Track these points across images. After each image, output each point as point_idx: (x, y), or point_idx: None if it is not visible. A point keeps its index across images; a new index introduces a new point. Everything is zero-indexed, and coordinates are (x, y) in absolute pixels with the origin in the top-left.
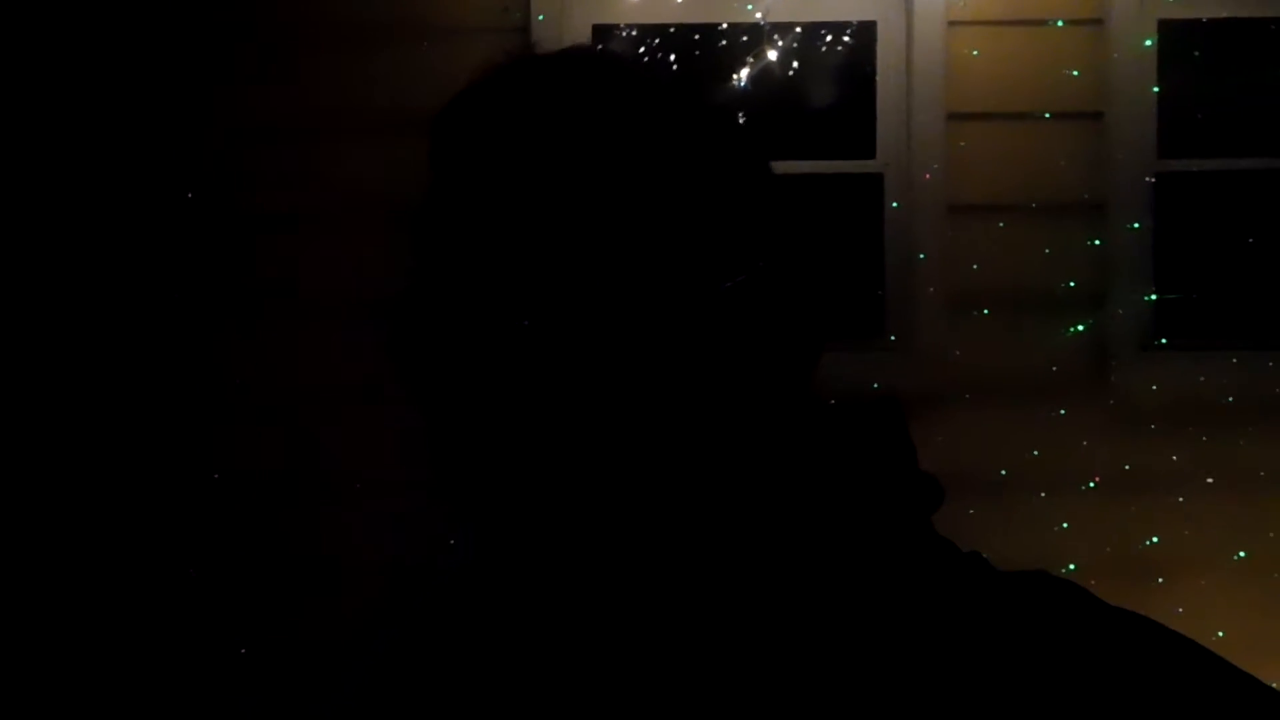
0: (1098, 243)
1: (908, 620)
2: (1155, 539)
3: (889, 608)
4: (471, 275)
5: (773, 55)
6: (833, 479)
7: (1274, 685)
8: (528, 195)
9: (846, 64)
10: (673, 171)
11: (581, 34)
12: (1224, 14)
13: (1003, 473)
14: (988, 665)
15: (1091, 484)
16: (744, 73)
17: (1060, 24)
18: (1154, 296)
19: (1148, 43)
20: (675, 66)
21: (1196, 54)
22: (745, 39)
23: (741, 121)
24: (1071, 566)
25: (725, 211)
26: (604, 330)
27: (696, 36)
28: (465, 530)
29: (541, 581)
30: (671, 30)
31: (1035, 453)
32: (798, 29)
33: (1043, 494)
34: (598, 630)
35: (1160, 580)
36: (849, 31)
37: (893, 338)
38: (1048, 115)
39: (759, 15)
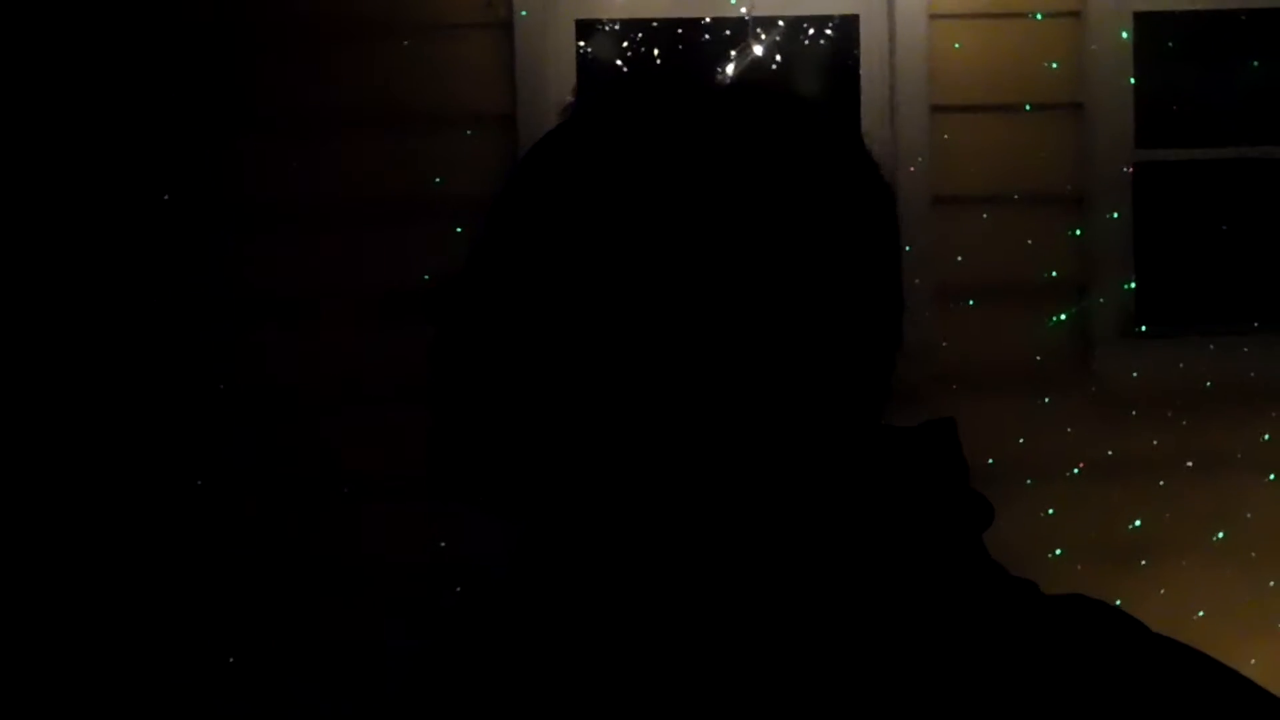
0: (1079, 232)
1: (951, 641)
2: (1138, 522)
3: (934, 629)
4: (569, 264)
5: (757, 49)
6: (885, 497)
7: (1252, 662)
8: (660, 199)
9: (830, 57)
10: (790, 201)
11: (565, 29)
12: (1197, 6)
13: (990, 461)
14: (1030, 688)
15: (1076, 470)
16: (728, 67)
17: (1039, 17)
18: (1134, 285)
19: (1124, 35)
20: (659, 61)
21: (1171, 45)
22: (728, 33)
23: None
24: (1058, 551)
25: (829, 240)
26: (688, 338)
27: (680, 31)
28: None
29: (576, 588)
30: (655, 25)
31: (1021, 440)
32: (781, 23)
33: (1029, 480)
34: (632, 641)
35: (1143, 562)
36: (832, 25)
37: None
38: (1029, 107)
39: (743, 10)
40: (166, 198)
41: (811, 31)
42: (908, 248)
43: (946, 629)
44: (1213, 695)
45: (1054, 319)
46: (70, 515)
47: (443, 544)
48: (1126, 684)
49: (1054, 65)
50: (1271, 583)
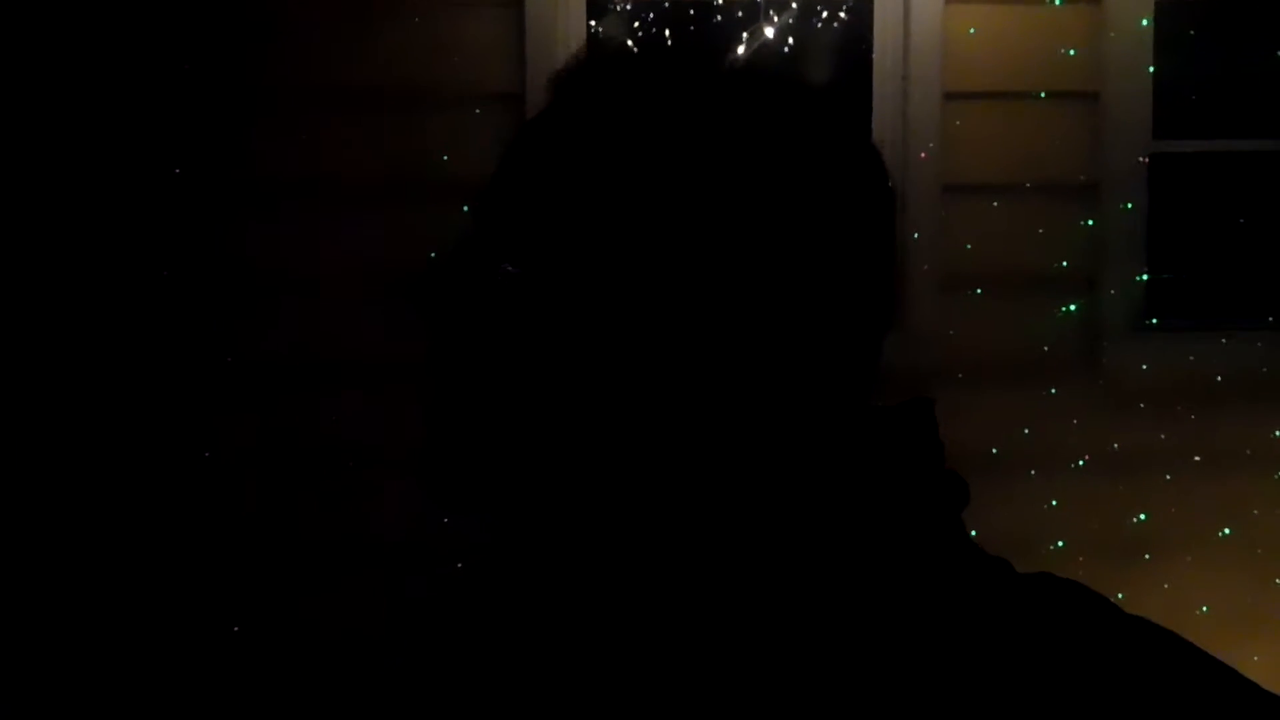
0: (1091, 223)
1: (924, 621)
2: (1143, 516)
3: (907, 609)
4: (551, 244)
5: (768, 32)
6: (860, 477)
7: (1255, 659)
8: (648, 183)
9: (842, 41)
10: (768, 178)
11: (576, 8)
12: None
13: (994, 451)
14: (1001, 668)
15: (1081, 462)
16: (739, 49)
17: (1057, 3)
18: (1146, 277)
19: (1144, 22)
20: (670, 43)
21: (1192, 34)
22: (741, 15)
23: (836, 115)
24: (1060, 544)
25: (802, 219)
26: (658, 318)
27: (692, 12)
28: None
29: (551, 575)
30: (667, 5)
31: (1026, 431)
32: (794, 5)
33: (1033, 472)
34: (609, 628)
35: (1148, 557)
36: (845, 8)
37: None
38: (1043, 95)
39: None
40: (178, 172)
41: (825, 14)
42: (915, 235)
43: (918, 607)
44: (1179, 671)
45: (1063, 310)
46: (78, 489)
47: (445, 520)
48: (1094, 659)
49: (1071, 52)
50: (1277, 580)
